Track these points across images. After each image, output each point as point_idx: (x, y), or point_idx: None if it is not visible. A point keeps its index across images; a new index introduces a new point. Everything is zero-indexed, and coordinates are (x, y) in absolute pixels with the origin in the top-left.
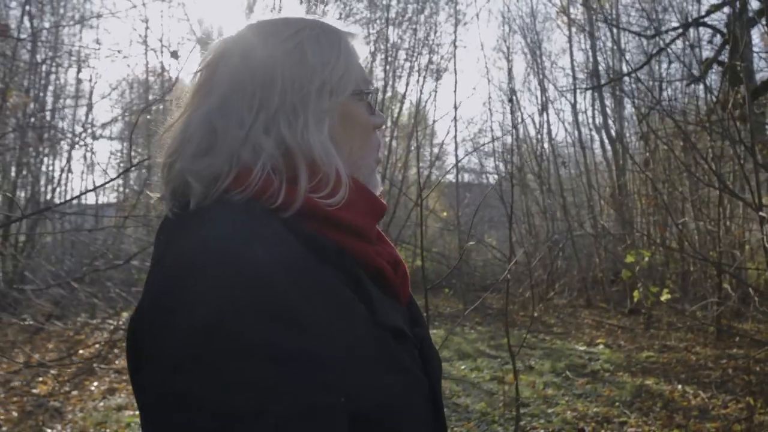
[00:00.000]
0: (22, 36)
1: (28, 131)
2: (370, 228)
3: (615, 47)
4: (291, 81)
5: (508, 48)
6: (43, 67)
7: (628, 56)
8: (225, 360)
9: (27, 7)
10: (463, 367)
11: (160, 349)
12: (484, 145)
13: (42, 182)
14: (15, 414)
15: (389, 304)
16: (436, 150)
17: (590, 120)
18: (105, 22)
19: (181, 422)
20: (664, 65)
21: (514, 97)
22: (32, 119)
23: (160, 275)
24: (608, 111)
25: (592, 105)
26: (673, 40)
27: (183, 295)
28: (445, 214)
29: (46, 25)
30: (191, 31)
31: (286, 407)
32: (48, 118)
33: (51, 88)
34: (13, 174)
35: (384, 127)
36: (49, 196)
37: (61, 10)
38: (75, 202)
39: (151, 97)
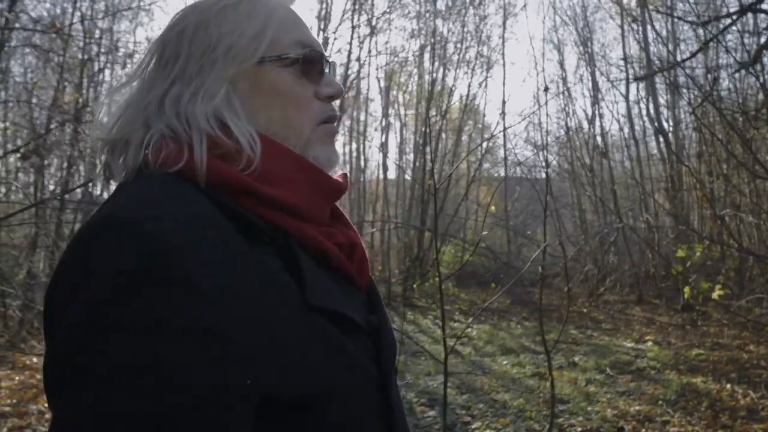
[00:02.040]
0: (74, 33)
1: (80, 126)
2: (312, 206)
3: (669, 36)
4: (192, 50)
5: (558, 39)
6: (96, 64)
7: (683, 46)
8: (115, 335)
9: (78, 3)
10: (505, 362)
11: (60, 323)
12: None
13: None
14: None
15: (337, 289)
16: (485, 144)
17: (644, 112)
18: (155, 20)
19: (71, 398)
20: (722, 54)
21: (565, 88)
22: (85, 114)
23: (66, 247)
24: (663, 102)
25: (646, 96)
26: (726, 27)
27: (80, 268)
28: (493, 208)
29: (99, 21)
30: None
31: (178, 384)
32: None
33: (105, 85)
34: (65, 167)
35: (339, 96)
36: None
37: (113, 7)
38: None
39: None
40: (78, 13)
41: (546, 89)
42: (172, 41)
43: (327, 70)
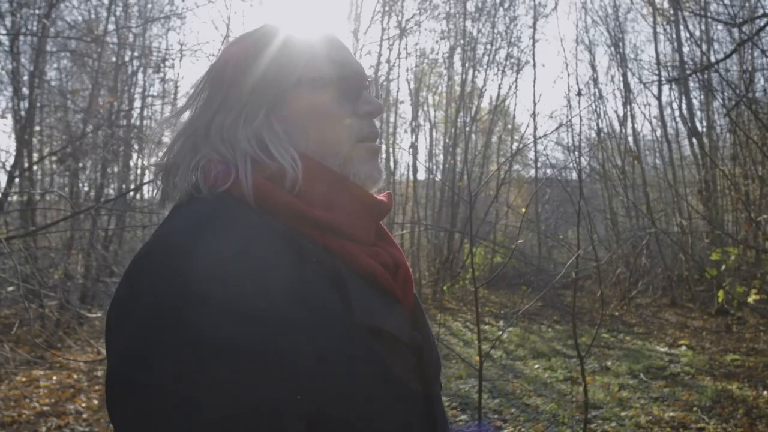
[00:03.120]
0: (108, 38)
1: (114, 130)
2: (356, 227)
3: (702, 37)
4: (234, 79)
5: (589, 39)
6: (129, 68)
7: (717, 46)
8: (166, 352)
9: (112, 8)
10: (536, 366)
11: (116, 339)
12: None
13: (129, 179)
14: (96, 402)
15: (383, 307)
16: (515, 145)
17: (677, 113)
18: (187, 23)
19: (129, 410)
20: (757, 55)
21: (597, 89)
22: (122, 120)
23: (126, 269)
24: (697, 104)
25: (679, 98)
26: (761, 28)
27: (135, 288)
28: (524, 210)
29: (133, 25)
30: None
31: (229, 401)
32: (134, 118)
33: (138, 89)
34: (99, 171)
35: (378, 113)
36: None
37: (147, 10)
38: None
39: None
40: (113, 18)
41: (579, 93)
42: (216, 73)
43: (366, 88)
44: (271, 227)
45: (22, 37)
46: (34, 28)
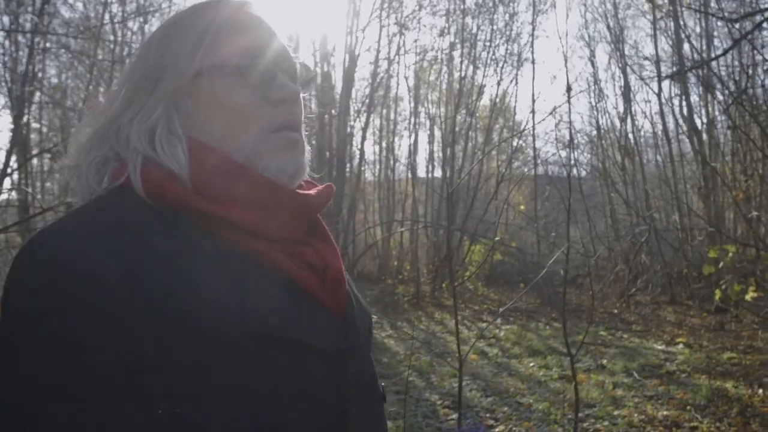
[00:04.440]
0: (103, 35)
1: None
2: (266, 223)
3: (702, 33)
4: (139, 74)
5: (589, 36)
6: (127, 65)
7: (717, 42)
8: (11, 351)
9: (108, 3)
10: (531, 364)
11: None
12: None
13: None
14: None
15: (295, 311)
16: (515, 142)
17: (676, 110)
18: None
19: None
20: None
21: (596, 85)
22: None
23: None
24: (697, 100)
25: (679, 94)
26: (758, 24)
27: (5, 285)
28: (523, 207)
29: (130, 22)
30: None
31: (76, 410)
32: None
33: None
34: None
35: (293, 99)
36: None
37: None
38: None
39: None
40: (108, 15)
41: (569, 89)
42: (128, 68)
43: (283, 72)
44: (163, 223)
45: (20, 35)
46: (29, 25)
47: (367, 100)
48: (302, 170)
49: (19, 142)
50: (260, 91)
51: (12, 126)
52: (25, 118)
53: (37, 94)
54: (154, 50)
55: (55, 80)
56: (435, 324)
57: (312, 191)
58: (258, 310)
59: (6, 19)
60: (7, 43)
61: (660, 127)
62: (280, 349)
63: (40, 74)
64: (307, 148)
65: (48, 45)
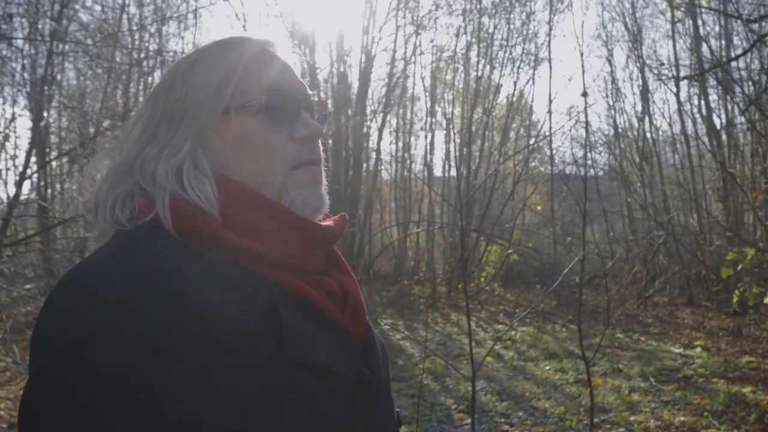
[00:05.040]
0: (122, 38)
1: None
2: (291, 255)
3: (722, 32)
4: (163, 110)
5: (606, 35)
6: (145, 67)
7: (736, 41)
8: (55, 382)
9: (126, 7)
10: (547, 367)
11: (29, 365)
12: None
13: None
14: None
15: (322, 339)
16: (531, 142)
17: (695, 110)
18: (203, 21)
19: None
20: None
21: (614, 86)
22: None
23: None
24: (716, 99)
25: (697, 95)
26: None
27: (43, 320)
28: (539, 207)
29: (148, 25)
30: (287, 28)
31: None
32: None
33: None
34: None
35: (316, 137)
36: None
37: (162, 9)
38: None
39: None
40: (125, 18)
41: (584, 94)
42: (149, 103)
43: (306, 109)
44: (194, 257)
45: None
46: (48, 29)
47: (384, 100)
48: (324, 204)
49: (38, 144)
50: (286, 129)
51: (31, 128)
52: (43, 121)
53: (56, 96)
54: (179, 86)
55: (74, 83)
56: (451, 326)
57: (329, 222)
58: (291, 338)
59: (13, 23)
60: (26, 47)
61: (678, 127)
62: (310, 375)
63: (59, 76)
64: (325, 183)
65: (67, 48)
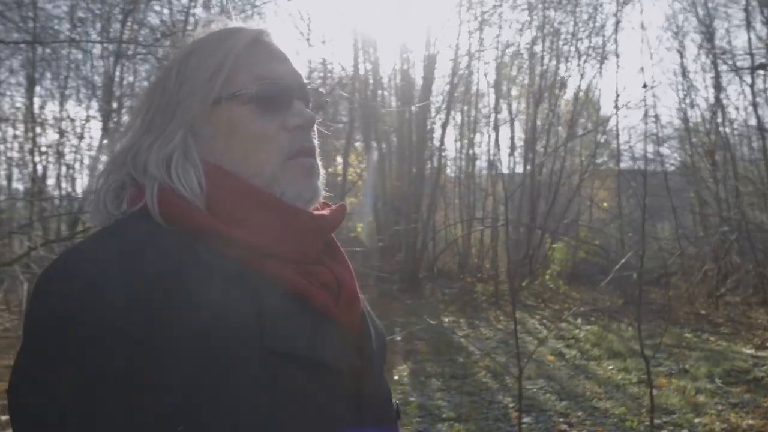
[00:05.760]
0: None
1: None
2: (280, 244)
3: None
4: (159, 100)
5: (677, 26)
6: None
7: None
8: (35, 374)
9: (190, 10)
10: (610, 367)
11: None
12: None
13: None
14: None
15: (311, 330)
16: (600, 137)
17: None
18: (267, 20)
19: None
20: None
21: (685, 79)
22: None
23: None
24: None
25: None
26: None
27: (31, 304)
28: (606, 204)
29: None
30: (350, 26)
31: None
32: None
33: None
34: None
35: (309, 125)
36: None
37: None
38: None
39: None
40: (192, 19)
41: (645, 86)
42: (148, 95)
43: (299, 98)
44: (179, 246)
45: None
46: (118, 34)
47: (447, 97)
48: (318, 195)
49: (109, 147)
50: (277, 119)
51: (102, 129)
52: (113, 122)
53: (127, 98)
54: (174, 77)
55: (145, 83)
56: (513, 323)
57: (326, 211)
58: (273, 329)
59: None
60: (97, 50)
61: (754, 120)
62: (295, 367)
63: (131, 78)
64: (322, 172)
65: (132, 50)
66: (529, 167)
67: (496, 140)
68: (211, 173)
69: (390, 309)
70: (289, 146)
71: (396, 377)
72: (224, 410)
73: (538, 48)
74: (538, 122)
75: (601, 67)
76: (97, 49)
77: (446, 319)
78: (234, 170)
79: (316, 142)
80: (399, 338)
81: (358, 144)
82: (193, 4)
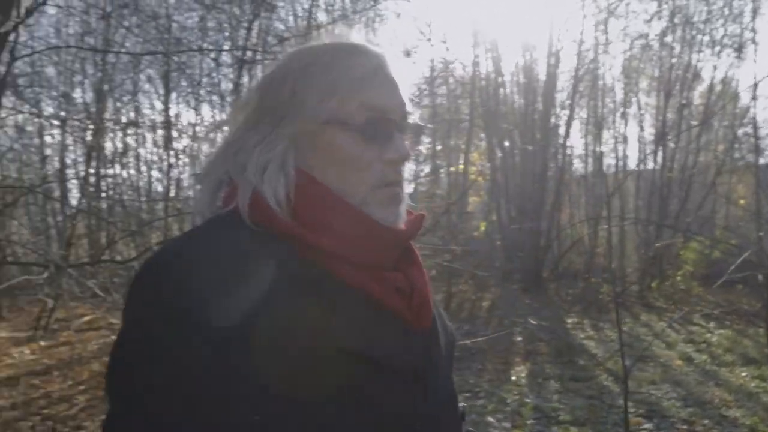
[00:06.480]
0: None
1: None
2: (358, 251)
3: None
4: (270, 103)
5: None
6: None
7: None
8: (121, 367)
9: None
10: (744, 374)
11: None
12: None
13: None
14: None
15: (381, 332)
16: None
17: None
18: (388, 23)
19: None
20: None
21: None
22: None
23: None
24: None
25: None
26: None
27: (129, 293)
28: (742, 202)
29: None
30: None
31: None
32: None
33: None
34: None
35: (403, 161)
36: None
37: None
38: None
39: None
40: (314, 23)
41: None
42: (258, 92)
43: (400, 131)
44: (264, 247)
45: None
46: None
47: (572, 93)
48: (399, 221)
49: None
50: (376, 150)
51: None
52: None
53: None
54: (289, 85)
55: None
56: (640, 326)
57: (403, 222)
58: (345, 329)
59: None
60: (226, 58)
61: None
62: (363, 366)
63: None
64: (406, 197)
65: (258, 56)
66: (659, 163)
67: (624, 136)
68: (303, 182)
69: (512, 309)
70: (381, 177)
71: (513, 378)
72: (297, 404)
73: (668, 38)
74: (669, 116)
75: (739, 56)
76: (226, 57)
77: (569, 320)
78: (326, 184)
79: (405, 173)
80: (519, 338)
81: (480, 143)
82: (314, 8)
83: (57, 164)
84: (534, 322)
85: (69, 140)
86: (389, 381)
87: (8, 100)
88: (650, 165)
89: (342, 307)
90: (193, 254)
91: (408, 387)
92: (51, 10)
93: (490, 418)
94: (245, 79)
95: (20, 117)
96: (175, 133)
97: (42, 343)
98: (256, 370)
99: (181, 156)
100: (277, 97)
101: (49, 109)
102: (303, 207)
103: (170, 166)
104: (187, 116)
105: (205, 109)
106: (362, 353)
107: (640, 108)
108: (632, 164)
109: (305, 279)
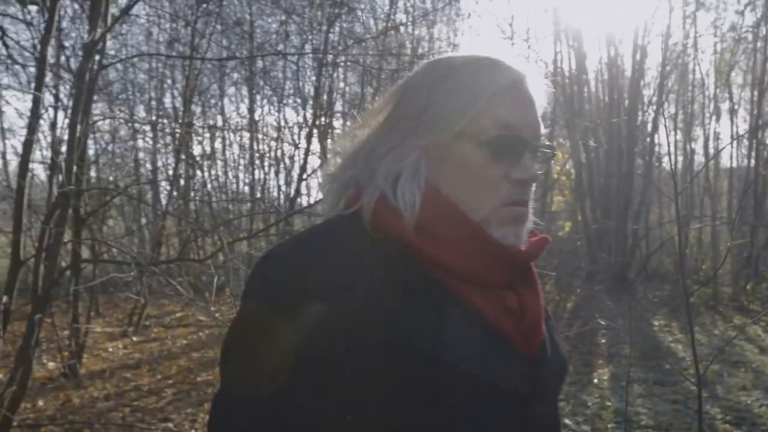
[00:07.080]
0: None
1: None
2: (477, 272)
3: None
4: (404, 112)
5: None
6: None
7: None
8: (234, 346)
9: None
10: None
11: None
12: None
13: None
14: None
15: (488, 351)
16: None
17: None
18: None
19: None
20: None
21: None
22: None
23: None
24: None
25: None
26: None
27: (247, 284)
28: None
29: (417, 29)
30: (553, 23)
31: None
32: None
33: None
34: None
35: (531, 181)
36: None
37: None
38: None
39: None
40: (391, 23)
41: None
42: (394, 98)
43: (531, 151)
44: (381, 253)
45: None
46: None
47: (659, 89)
48: (520, 241)
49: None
50: (505, 168)
51: (306, 135)
52: (318, 128)
53: (337, 103)
54: (426, 95)
55: (356, 89)
56: (732, 330)
57: (526, 244)
58: (453, 346)
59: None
60: (308, 61)
61: None
62: (465, 384)
63: (341, 84)
64: (531, 217)
65: (339, 59)
66: (754, 160)
67: (716, 132)
68: (431, 195)
69: (596, 310)
70: (507, 196)
71: (595, 380)
72: (395, 415)
73: (762, 30)
74: (765, 111)
75: None
76: (308, 59)
77: (656, 323)
78: (451, 198)
79: (532, 194)
80: (603, 341)
81: (563, 141)
82: (394, 10)
83: (149, 167)
84: (614, 325)
85: (160, 144)
86: (494, 403)
87: (102, 105)
88: (744, 162)
89: (452, 321)
90: (310, 249)
91: (512, 411)
92: (142, 20)
93: (568, 421)
94: (325, 80)
95: (113, 122)
96: (259, 136)
97: (134, 338)
98: (358, 371)
99: (265, 158)
100: (411, 106)
101: (141, 114)
102: (425, 218)
103: (253, 167)
104: (269, 119)
105: (289, 112)
106: (467, 370)
107: (732, 102)
108: (725, 161)
109: (419, 288)
